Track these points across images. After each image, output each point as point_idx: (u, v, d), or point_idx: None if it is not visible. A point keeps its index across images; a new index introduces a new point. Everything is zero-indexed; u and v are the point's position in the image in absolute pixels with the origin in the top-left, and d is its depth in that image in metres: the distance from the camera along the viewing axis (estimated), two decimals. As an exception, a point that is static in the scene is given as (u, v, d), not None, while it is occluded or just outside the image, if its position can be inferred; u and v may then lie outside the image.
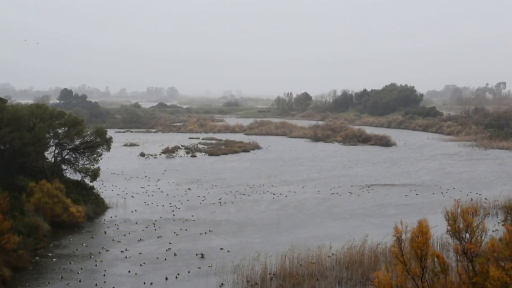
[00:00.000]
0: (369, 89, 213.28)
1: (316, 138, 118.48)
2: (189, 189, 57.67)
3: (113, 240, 38.09)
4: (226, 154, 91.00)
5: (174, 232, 40.23)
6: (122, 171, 69.27)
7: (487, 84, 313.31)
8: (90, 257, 34.12)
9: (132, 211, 47.02)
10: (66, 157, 49.98)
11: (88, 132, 50.81)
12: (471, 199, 49.70)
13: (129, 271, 31.36)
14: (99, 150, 50.92)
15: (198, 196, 53.80)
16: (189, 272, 31.44)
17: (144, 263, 32.98)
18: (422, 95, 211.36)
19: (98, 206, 46.86)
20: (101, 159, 51.20)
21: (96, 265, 32.50)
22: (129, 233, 39.82)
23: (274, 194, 55.47)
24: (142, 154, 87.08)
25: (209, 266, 32.46)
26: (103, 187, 55.61)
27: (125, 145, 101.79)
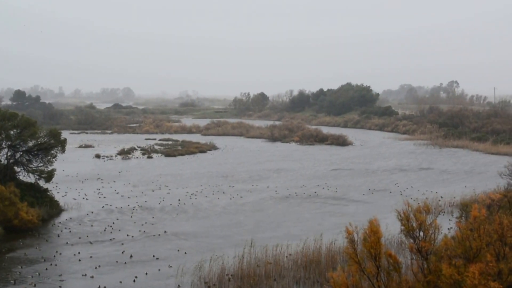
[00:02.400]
0: (325, 89, 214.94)
1: (273, 138, 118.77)
2: (146, 190, 57.13)
3: (67, 243, 37.45)
4: (183, 155, 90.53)
5: (131, 235, 39.76)
6: (77, 173, 68.28)
7: (441, 83, 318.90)
8: (44, 260, 33.45)
9: (87, 213, 46.33)
10: (19, 159, 48.98)
11: (42, 134, 49.85)
12: (426, 198, 50.23)
13: (84, 274, 30.84)
14: (53, 152, 49.93)
15: (156, 198, 53.34)
16: (146, 274, 31.07)
17: (99, 266, 32.47)
18: (378, 94, 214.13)
19: (52, 208, 45.98)
20: (55, 160, 50.31)
21: (48, 269, 31.84)
22: (84, 236, 39.20)
23: (231, 194, 55.32)
24: (98, 156, 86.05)
25: (168, 267, 32.16)
26: (57, 190, 54.69)
27: (80, 146, 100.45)
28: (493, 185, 54.60)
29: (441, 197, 52.02)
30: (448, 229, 35.96)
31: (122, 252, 35.29)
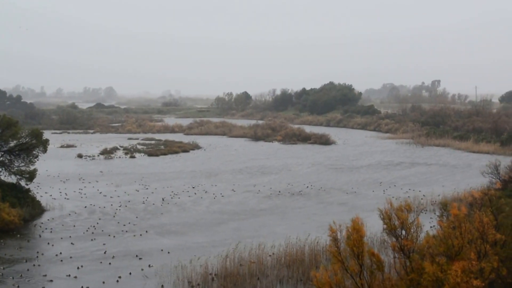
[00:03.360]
0: (308, 88, 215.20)
1: (256, 138, 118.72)
2: (130, 190, 56.88)
3: (48, 243, 37.20)
4: (165, 154, 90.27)
5: (113, 235, 39.57)
6: (59, 173, 67.88)
7: (423, 82, 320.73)
8: (25, 261, 33.23)
9: (69, 214, 46.06)
10: (1, 159, 48.60)
11: (24, 134, 49.50)
12: (408, 197, 50.47)
13: (68, 275, 30.65)
14: (35, 152, 49.63)
15: (139, 197, 53.13)
16: (130, 273, 30.95)
17: (81, 266, 32.29)
18: (360, 93, 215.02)
19: (34, 209, 45.66)
20: (37, 160, 50.01)
21: (30, 270, 31.62)
22: (66, 236, 38.96)
23: (214, 194, 55.22)
24: (80, 156, 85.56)
25: (152, 266, 32.04)
26: (39, 190, 54.30)
27: (62, 146, 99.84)
28: (475, 183, 54.99)
29: (424, 195, 52.27)
30: (430, 227, 36.14)
31: (105, 252, 35.12)
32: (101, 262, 33.12)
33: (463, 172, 70.22)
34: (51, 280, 29.94)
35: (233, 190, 57.31)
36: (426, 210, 45.39)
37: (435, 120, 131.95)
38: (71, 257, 33.94)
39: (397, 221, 20.64)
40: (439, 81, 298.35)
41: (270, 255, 33.21)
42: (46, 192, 54.34)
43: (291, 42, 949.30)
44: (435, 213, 43.43)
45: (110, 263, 32.98)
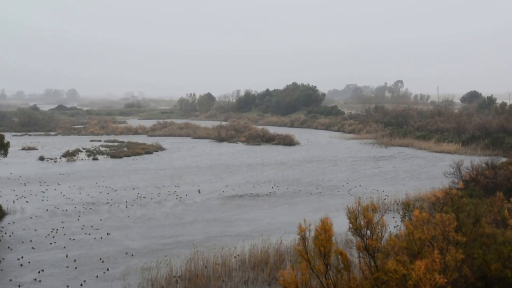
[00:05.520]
0: (271, 89, 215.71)
1: (220, 139, 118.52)
2: (93, 192, 56.21)
3: (9, 247, 36.50)
4: (128, 156, 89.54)
5: (76, 238, 39.00)
6: (20, 175, 66.80)
7: (385, 83, 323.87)
8: (-15, 266, 32.57)
9: (30, 217, 45.29)
10: (-41, 162, 47.67)
11: (-17, 136, 48.62)
12: (371, 197, 50.77)
13: (35, 279, 30.10)
14: (-5, 155, 48.86)
15: (103, 200, 52.54)
16: (97, 276, 30.54)
17: (42, 270, 31.74)
18: (324, 94, 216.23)
19: (-6, 212, 44.92)
20: (-3, 163, 49.18)
21: (-9, 275, 30.96)
22: (27, 240, 38.26)
23: (178, 195, 54.89)
24: (42, 158, 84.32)
25: (115, 269, 31.64)
26: (-1, 193, 53.44)
27: (23, 148, 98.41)
28: (438, 183, 55.54)
29: (386, 195, 52.64)
30: (394, 227, 36.38)
31: (66, 256, 34.57)
32: (67, 267, 32.54)
33: (426, 172, 70.93)
34: (19, 286, 29.31)
35: (197, 191, 57.03)
36: (390, 210, 45.79)
37: (398, 120, 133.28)
38: (32, 262, 33.33)
39: (363, 220, 20.68)
40: (401, 82, 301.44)
41: (235, 257, 33.08)
42: (7, 195, 53.42)
43: (256, 51, 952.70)
44: (398, 213, 43.89)
45: (74, 267, 32.47)
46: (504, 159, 54.84)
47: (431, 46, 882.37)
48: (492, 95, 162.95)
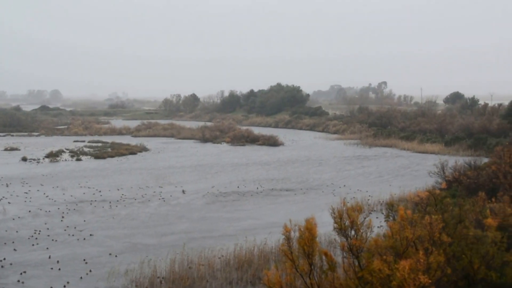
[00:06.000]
0: (256, 90, 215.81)
1: (204, 139, 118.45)
2: (76, 193, 55.92)
3: (-9, 249, 36.24)
4: (112, 157, 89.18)
5: (59, 239, 38.76)
6: (2, 176, 66.30)
7: (369, 84, 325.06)
8: (-33, 268, 32.27)
9: (13, 218, 44.94)
10: None
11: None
12: (353, 197, 50.91)
13: (18, 281, 29.86)
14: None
15: (86, 200, 52.28)
16: (81, 278, 30.34)
17: (24, 272, 31.51)
18: (308, 95, 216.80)
19: (-24, 214, 44.57)
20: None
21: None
22: (9, 242, 37.98)
23: (162, 195, 54.75)
24: (24, 159, 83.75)
25: (99, 270, 31.48)
26: (-19, 194, 53.01)
27: (6, 149, 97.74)
28: (421, 183, 55.82)
29: (370, 196, 52.82)
30: (378, 227, 36.49)
31: (49, 257, 34.35)
32: (51, 268, 32.31)
33: (410, 172, 71.27)
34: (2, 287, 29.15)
35: (182, 192, 56.92)
36: (374, 210, 45.98)
37: (382, 121, 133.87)
38: (14, 263, 33.08)
39: (348, 220, 20.74)
40: (385, 83, 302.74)
41: (219, 257, 33.05)
42: (-11, 196, 53.05)
43: (239, 58, 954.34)
44: (382, 213, 44.10)
45: (57, 268, 32.25)
46: (486, 160, 55.13)
47: (414, 58, 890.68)
48: (474, 96, 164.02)
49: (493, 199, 30.93)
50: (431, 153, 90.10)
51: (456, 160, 54.49)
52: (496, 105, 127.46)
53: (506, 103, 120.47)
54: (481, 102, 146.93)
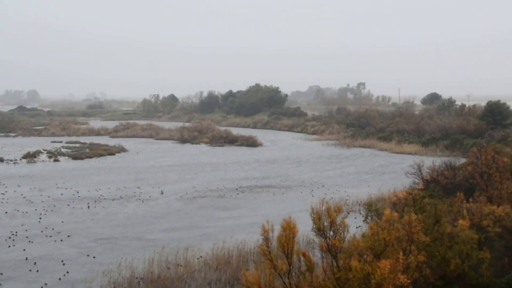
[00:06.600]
0: (234, 90, 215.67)
1: (183, 140, 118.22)
2: (54, 194, 55.52)
3: (-32, 251, 35.88)
4: (91, 157, 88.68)
5: (36, 240, 38.46)
6: (-21, 177, 65.75)
7: (348, 84, 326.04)
8: None
9: (-10, 220, 44.60)
10: None
11: None
12: (331, 198, 51.09)
13: (-8, 283, 29.66)
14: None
15: (64, 201, 51.92)
16: (59, 279, 30.15)
17: (1, 273, 31.23)
18: (286, 95, 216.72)
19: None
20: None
21: None
22: (-13, 243, 37.66)
23: (141, 196, 54.54)
24: (1, 159, 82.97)
25: (67, 272, 31.27)
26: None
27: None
28: (399, 183, 56.13)
29: (348, 196, 53.05)
30: (356, 227, 36.67)
31: (26, 259, 34.08)
32: (30, 270, 32.04)
33: (388, 172, 71.67)
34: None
35: (160, 193, 56.74)
36: (352, 210, 46.16)
37: (360, 121, 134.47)
38: (-8, 264, 32.84)
39: (327, 221, 20.80)
40: (364, 84, 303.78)
41: (198, 258, 33.02)
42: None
43: (221, 49, 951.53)
44: (360, 213, 44.28)
45: (35, 270, 31.99)
46: (463, 160, 55.55)
47: (393, 54, 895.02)
48: (451, 97, 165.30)
49: (470, 199, 31.19)
50: (409, 153, 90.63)
51: (433, 161, 54.87)
52: (472, 105, 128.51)
53: (483, 104, 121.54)
54: (458, 103, 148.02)
